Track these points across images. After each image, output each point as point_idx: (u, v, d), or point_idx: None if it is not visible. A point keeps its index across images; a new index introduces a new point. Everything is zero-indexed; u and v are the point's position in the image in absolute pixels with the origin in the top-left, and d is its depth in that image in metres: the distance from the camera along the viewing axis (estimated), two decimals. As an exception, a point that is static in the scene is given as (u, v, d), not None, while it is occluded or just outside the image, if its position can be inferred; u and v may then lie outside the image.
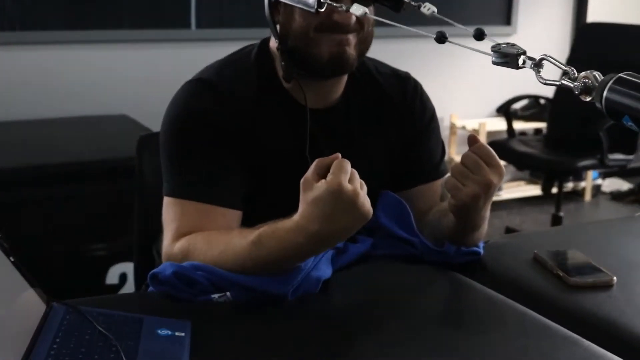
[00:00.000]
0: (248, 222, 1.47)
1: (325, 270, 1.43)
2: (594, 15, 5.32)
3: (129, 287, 3.13)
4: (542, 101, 4.90)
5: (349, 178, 1.24)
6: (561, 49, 5.11)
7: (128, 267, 3.13)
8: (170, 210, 1.53)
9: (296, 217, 1.28)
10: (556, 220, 4.31)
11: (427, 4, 1.24)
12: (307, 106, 1.56)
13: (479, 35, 1.12)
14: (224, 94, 1.55)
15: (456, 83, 5.02)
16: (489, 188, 1.44)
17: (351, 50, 1.50)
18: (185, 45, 4.20)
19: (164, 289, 1.37)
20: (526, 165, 4.65)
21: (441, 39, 1.17)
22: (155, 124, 3.60)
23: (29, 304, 1.16)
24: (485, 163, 1.44)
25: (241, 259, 1.35)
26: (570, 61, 4.58)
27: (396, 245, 1.59)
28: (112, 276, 3.13)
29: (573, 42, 4.95)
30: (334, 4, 1.33)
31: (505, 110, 4.63)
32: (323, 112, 1.60)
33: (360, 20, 1.48)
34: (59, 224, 3.02)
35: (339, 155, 1.28)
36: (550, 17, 5.31)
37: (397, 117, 1.68)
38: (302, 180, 1.27)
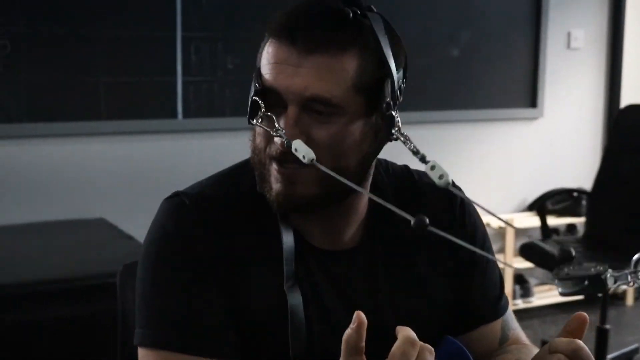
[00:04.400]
0: None
1: None
2: (628, 96, 5.20)
3: None
4: (575, 193, 4.78)
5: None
6: (593, 133, 5.01)
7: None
8: None
9: None
10: (602, 335, 4.00)
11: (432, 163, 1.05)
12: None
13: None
14: (206, 217, 1.34)
15: (480, 174, 4.92)
16: None
17: (301, 189, 1.28)
18: (172, 136, 4.07)
19: None
20: (565, 270, 4.43)
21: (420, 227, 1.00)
22: (136, 230, 3.44)
23: None
24: None
25: None
26: (607, 148, 4.43)
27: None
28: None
29: (608, 126, 4.83)
30: (258, 125, 1.24)
31: (539, 207, 4.45)
32: (333, 254, 1.36)
33: (317, 147, 1.22)
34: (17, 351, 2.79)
35: (403, 332, 1.05)
36: (580, 99, 5.23)
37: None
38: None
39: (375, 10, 1.29)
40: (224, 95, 4.11)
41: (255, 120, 1.24)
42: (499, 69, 4.85)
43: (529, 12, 4.88)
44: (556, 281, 1.01)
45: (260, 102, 1.24)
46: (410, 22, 4.44)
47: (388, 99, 1.23)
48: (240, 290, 1.32)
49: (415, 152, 1.11)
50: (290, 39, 1.23)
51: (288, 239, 1.32)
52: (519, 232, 4.78)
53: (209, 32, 4.06)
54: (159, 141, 4.03)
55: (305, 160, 1.13)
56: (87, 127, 3.87)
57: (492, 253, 1.54)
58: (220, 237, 1.32)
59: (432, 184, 1.42)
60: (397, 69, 1.27)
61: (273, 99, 1.24)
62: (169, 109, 4.00)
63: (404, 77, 1.32)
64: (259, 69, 1.27)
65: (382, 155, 1.40)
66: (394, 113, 1.23)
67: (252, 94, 1.26)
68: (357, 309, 1.04)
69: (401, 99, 1.30)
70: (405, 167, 1.50)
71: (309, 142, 1.20)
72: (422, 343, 1.05)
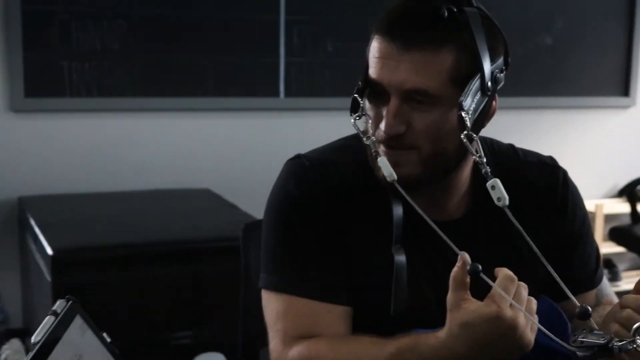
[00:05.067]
0: None
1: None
2: None
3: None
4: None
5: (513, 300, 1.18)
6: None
7: (213, 358, 3.06)
8: (271, 307, 1.49)
9: (442, 334, 1.23)
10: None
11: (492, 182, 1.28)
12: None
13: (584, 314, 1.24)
14: (325, 180, 1.49)
15: (569, 158, 4.81)
16: None
17: (406, 170, 1.39)
18: (273, 114, 4.22)
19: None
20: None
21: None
22: (239, 200, 3.65)
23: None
24: None
25: None
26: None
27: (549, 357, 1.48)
28: (195, 367, 3.06)
29: None
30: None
31: (629, 192, 4.50)
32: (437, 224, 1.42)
33: (418, 133, 1.38)
34: (142, 308, 2.99)
35: (502, 271, 1.20)
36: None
37: (548, 212, 1.58)
38: (447, 300, 1.22)
39: (474, 4, 1.39)
40: (324, 77, 4.23)
41: (355, 115, 1.39)
42: (593, 57, 4.83)
43: (623, 0, 4.85)
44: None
45: (360, 100, 1.39)
46: (505, 11, 4.46)
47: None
48: (351, 249, 1.46)
49: (481, 164, 1.29)
50: (391, 36, 1.35)
51: (397, 209, 1.45)
52: (609, 217, 4.77)
53: (310, 16, 4.18)
54: (261, 118, 4.17)
55: (388, 179, 1.32)
56: (196, 103, 4.05)
57: (591, 229, 1.65)
58: (336, 198, 1.47)
59: (536, 162, 1.60)
60: (494, 59, 1.37)
61: (378, 91, 1.38)
62: (271, 88, 4.15)
63: (506, 63, 1.43)
64: (367, 62, 1.40)
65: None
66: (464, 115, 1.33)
67: (355, 90, 1.41)
68: None
69: (502, 82, 1.42)
70: (511, 145, 1.61)
71: (409, 129, 1.36)
72: (518, 281, 1.20)
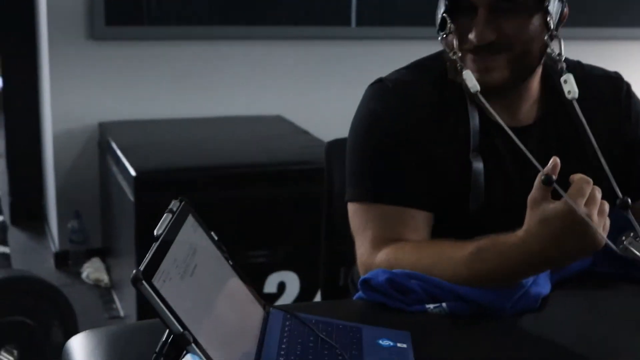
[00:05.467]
0: None
1: (544, 286, 1.43)
2: None
3: (288, 297, 3.20)
4: None
5: (587, 201, 1.24)
6: None
7: (286, 276, 3.20)
8: (359, 216, 1.59)
9: (521, 233, 1.31)
10: None
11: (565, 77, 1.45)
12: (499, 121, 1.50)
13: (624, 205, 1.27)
14: (406, 97, 1.60)
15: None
16: None
17: (497, 74, 1.52)
18: (345, 43, 4.28)
19: (376, 296, 1.40)
20: None
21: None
22: (312, 127, 3.75)
23: (251, 308, 1.20)
24: None
25: (458, 271, 1.38)
26: None
27: (618, 263, 1.56)
28: (270, 285, 3.21)
29: None
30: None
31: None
32: (511, 130, 1.51)
33: (508, 37, 1.50)
34: (219, 227, 3.10)
35: (578, 175, 1.27)
36: None
37: (612, 120, 1.66)
38: (529, 198, 1.29)
39: None
40: (395, 6, 4.27)
41: (442, 33, 1.51)
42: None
43: None
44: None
45: (448, 19, 1.50)
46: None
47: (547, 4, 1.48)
48: (432, 159, 1.57)
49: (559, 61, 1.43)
50: None
51: (474, 117, 1.57)
52: None
53: None
54: (333, 47, 4.24)
55: (472, 90, 1.44)
56: (270, 31, 4.13)
57: None
58: (417, 113, 1.58)
59: (602, 75, 1.69)
60: None
61: (464, 5, 1.49)
62: (344, 17, 4.20)
63: None
64: None
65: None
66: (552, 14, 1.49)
67: (442, 10, 1.52)
68: (532, 177, 1.28)
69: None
70: (578, 61, 1.71)
71: (500, 35, 1.48)
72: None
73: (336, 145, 1.96)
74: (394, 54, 3.58)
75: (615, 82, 1.71)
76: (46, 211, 4.55)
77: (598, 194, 1.27)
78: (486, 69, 1.51)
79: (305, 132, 3.75)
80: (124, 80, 3.97)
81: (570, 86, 1.44)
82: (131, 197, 3.11)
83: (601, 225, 1.27)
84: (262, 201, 3.22)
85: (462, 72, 1.48)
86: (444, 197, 1.57)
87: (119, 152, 3.34)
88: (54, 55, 3.85)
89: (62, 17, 3.81)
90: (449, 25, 1.51)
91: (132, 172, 3.08)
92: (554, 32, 1.50)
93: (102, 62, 3.92)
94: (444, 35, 1.52)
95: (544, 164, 1.32)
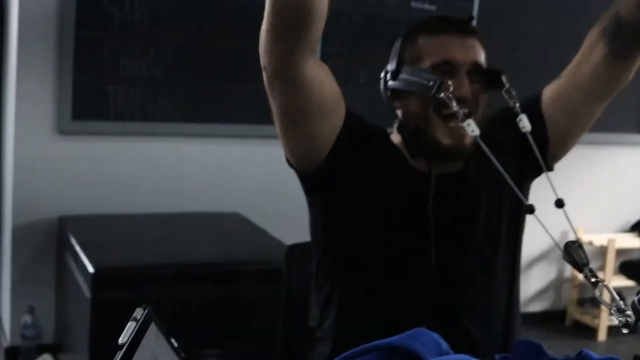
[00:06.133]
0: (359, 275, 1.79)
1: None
2: None
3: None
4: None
5: None
6: None
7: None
8: None
9: None
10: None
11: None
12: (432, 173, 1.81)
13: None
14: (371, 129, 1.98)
15: (585, 193, 4.95)
16: None
17: (468, 140, 1.73)
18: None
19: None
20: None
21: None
22: (269, 225, 3.76)
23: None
24: None
25: None
26: None
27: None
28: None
29: None
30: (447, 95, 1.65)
31: (640, 228, 4.61)
32: (443, 178, 1.81)
33: (476, 101, 1.76)
34: (175, 325, 3.11)
35: None
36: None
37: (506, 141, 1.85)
38: None
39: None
40: (355, 107, 4.34)
41: (442, 93, 1.66)
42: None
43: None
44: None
45: (439, 77, 1.68)
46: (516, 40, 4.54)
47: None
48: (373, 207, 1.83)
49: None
50: (447, 29, 1.78)
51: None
52: (620, 252, 4.81)
53: (343, 48, 4.33)
54: None
55: (473, 134, 1.56)
56: (232, 129, 4.17)
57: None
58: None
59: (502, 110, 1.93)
60: None
61: (444, 70, 1.73)
62: None
63: None
64: (418, 57, 1.78)
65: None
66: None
67: (438, 76, 1.69)
68: None
69: None
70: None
71: (474, 97, 1.74)
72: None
73: (296, 248, 2.03)
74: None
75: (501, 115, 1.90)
76: (-1, 305, 4.50)
77: None
78: (457, 136, 1.73)
79: (263, 231, 3.79)
80: (87, 175, 3.96)
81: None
82: (87, 294, 3.10)
83: None
84: (218, 300, 3.24)
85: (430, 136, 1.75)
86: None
87: (77, 248, 3.35)
88: (19, 148, 3.86)
89: (29, 109, 3.83)
90: (444, 81, 1.68)
91: (90, 269, 3.08)
92: (510, 89, 1.68)
93: (66, 156, 3.92)
94: (445, 95, 1.66)
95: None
